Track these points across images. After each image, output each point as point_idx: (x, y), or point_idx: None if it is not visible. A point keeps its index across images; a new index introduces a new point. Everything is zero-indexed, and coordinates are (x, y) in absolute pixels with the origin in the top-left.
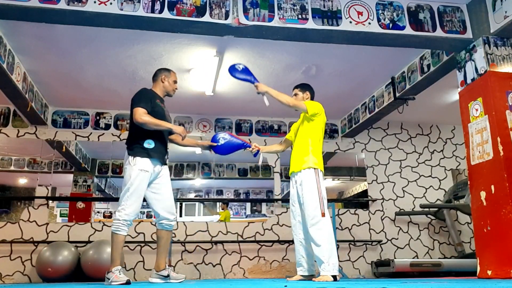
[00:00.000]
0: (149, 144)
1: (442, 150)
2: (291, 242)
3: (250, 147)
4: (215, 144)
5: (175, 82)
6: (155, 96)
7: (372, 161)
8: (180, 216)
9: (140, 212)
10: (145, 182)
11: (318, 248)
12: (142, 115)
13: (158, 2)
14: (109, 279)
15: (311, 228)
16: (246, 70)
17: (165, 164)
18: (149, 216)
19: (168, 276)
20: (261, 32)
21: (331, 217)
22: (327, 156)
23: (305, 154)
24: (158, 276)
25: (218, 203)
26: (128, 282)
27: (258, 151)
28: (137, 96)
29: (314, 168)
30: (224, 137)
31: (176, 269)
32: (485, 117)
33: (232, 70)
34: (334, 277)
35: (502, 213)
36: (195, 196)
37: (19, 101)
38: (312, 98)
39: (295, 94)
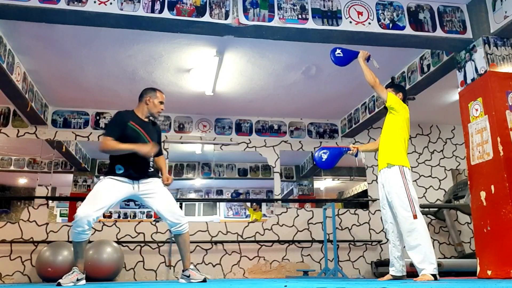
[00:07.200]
0: (119, 169)
1: (442, 150)
2: (291, 242)
3: (350, 150)
4: (320, 162)
5: (161, 103)
6: (128, 119)
7: (372, 161)
8: None
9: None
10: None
11: (414, 251)
12: (102, 144)
13: (158, 2)
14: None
15: (405, 233)
16: (344, 52)
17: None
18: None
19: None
20: (261, 32)
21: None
22: None
23: (387, 149)
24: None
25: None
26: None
27: (357, 151)
28: (108, 123)
29: (398, 166)
30: (324, 152)
31: (176, 269)
32: (485, 117)
33: (339, 61)
34: (435, 276)
35: (502, 213)
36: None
37: (19, 101)
38: (403, 99)
39: None
